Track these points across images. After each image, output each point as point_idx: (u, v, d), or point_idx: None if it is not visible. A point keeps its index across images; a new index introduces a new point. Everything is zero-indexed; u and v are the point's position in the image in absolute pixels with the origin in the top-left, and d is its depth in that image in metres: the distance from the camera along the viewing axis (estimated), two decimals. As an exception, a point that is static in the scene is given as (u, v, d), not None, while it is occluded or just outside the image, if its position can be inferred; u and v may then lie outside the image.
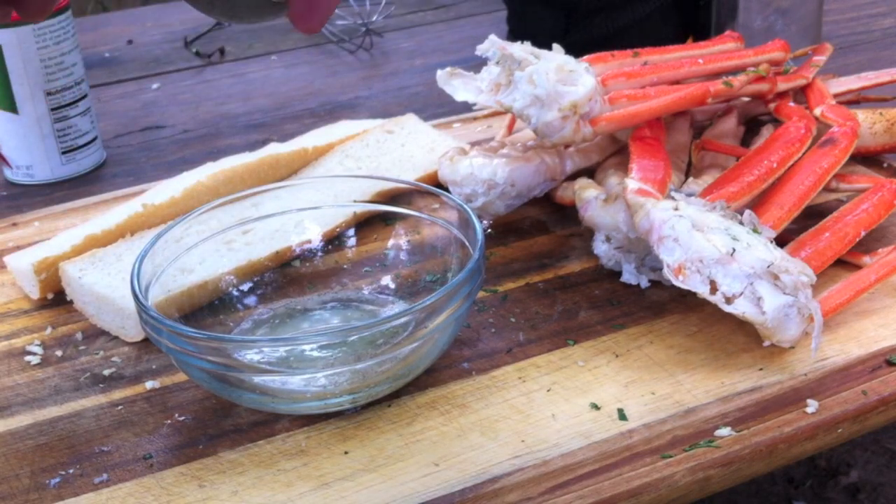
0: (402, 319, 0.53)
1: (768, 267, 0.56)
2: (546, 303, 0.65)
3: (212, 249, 0.63)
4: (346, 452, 0.53)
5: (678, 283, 0.58)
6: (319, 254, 0.68)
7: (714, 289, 0.57)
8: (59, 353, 0.63)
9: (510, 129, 0.84)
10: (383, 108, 1.01)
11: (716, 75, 0.76)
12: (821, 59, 0.83)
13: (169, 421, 0.56)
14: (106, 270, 0.66)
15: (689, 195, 0.63)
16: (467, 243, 0.60)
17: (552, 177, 0.73)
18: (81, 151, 0.89)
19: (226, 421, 0.56)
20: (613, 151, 0.76)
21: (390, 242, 0.67)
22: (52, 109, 0.86)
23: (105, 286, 0.64)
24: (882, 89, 0.83)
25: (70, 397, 0.59)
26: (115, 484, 0.52)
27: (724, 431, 0.53)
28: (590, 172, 0.74)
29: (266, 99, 1.06)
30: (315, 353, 0.55)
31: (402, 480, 0.51)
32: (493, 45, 0.69)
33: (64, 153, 0.88)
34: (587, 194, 0.67)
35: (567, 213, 0.75)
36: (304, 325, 0.63)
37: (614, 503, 0.49)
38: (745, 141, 0.80)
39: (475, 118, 0.92)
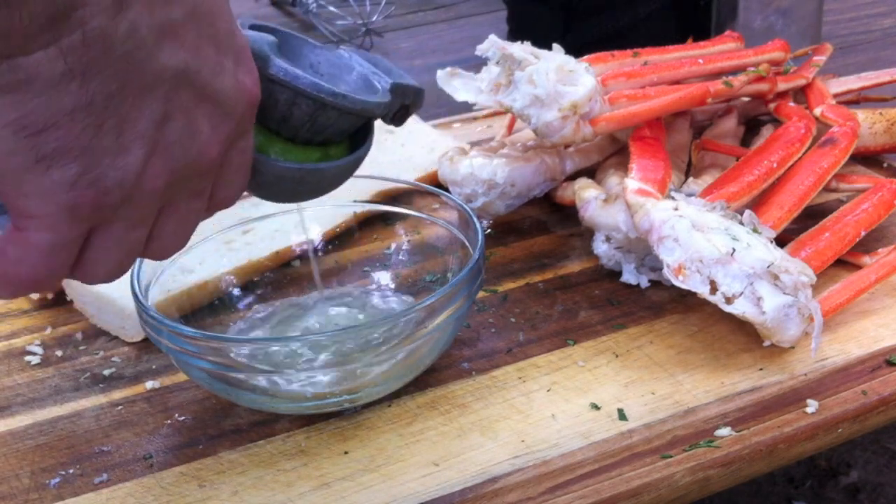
0: (402, 319, 0.53)
1: (768, 267, 0.56)
2: (546, 303, 0.65)
3: (212, 249, 0.63)
4: (346, 452, 0.53)
5: (678, 283, 0.58)
6: (319, 254, 0.68)
7: (714, 289, 0.57)
8: (59, 353, 0.63)
9: (510, 129, 0.84)
10: (383, 108, 1.01)
11: (716, 75, 0.76)
12: (821, 59, 0.83)
13: (169, 421, 0.56)
14: (106, 270, 0.66)
15: (689, 195, 0.63)
16: (467, 243, 0.60)
17: (552, 177, 0.73)
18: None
19: (226, 421, 0.56)
20: (613, 151, 0.76)
21: (390, 242, 0.67)
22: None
23: (105, 286, 0.64)
24: (882, 89, 0.84)
25: (70, 397, 0.59)
26: (115, 484, 0.52)
27: (724, 431, 0.53)
28: (590, 172, 0.74)
29: (266, 99, 1.06)
30: (315, 354, 0.55)
31: (402, 480, 0.51)
32: (493, 45, 0.69)
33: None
34: (587, 194, 0.67)
35: (567, 213, 0.74)
36: (303, 325, 0.63)
37: (614, 503, 0.49)
38: (745, 141, 0.80)
39: (475, 118, 0.92)
